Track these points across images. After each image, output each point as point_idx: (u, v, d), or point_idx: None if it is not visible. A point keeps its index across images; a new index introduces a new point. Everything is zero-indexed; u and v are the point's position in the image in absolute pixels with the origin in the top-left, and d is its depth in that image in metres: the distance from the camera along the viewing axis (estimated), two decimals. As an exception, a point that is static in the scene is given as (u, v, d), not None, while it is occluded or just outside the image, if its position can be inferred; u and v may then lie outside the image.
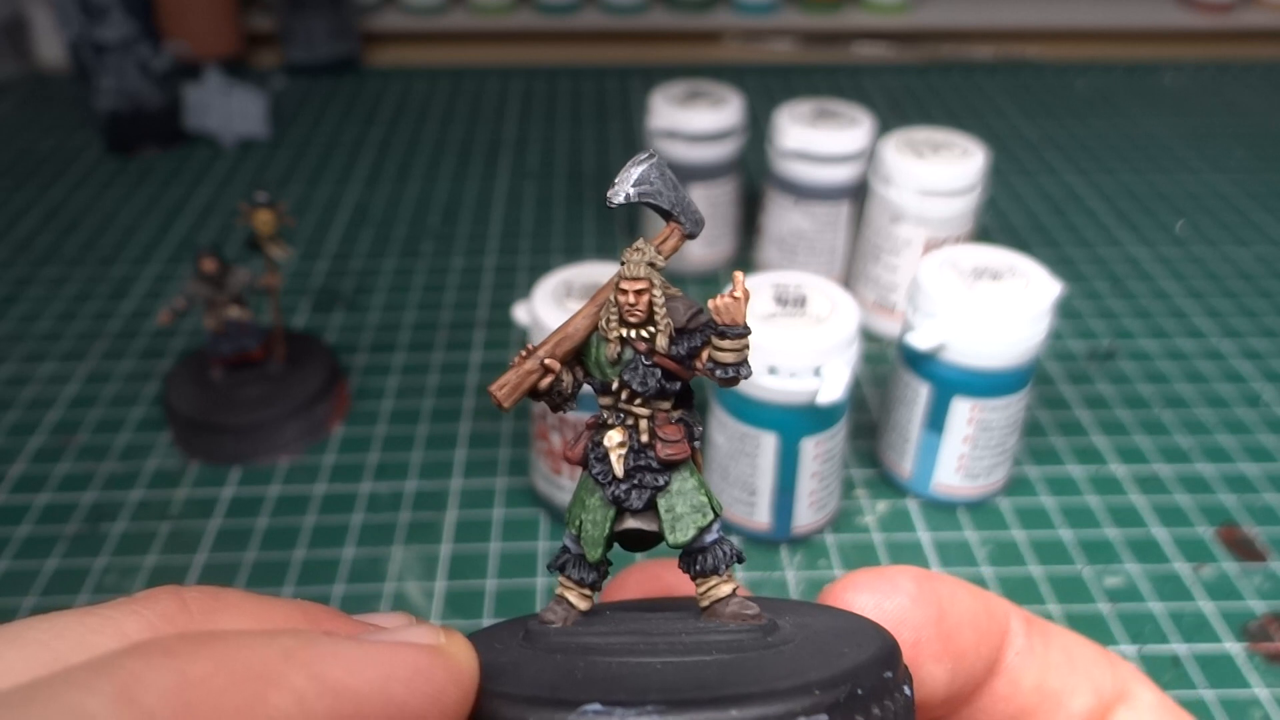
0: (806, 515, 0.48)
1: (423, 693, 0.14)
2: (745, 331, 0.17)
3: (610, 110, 0.96)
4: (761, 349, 0.44)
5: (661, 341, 0.17)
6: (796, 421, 0.45)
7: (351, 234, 0.76)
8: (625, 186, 0.18)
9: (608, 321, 0.18)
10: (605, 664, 0.16)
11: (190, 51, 0.96)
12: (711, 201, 0.69)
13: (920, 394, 0.49)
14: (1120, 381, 0.61)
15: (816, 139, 0.63)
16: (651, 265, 0.17)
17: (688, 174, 0.67)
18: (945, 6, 1.12)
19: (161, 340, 0.64)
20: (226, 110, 0.87)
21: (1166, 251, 0.75)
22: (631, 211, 0.78)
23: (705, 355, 0.17)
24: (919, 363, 0.49)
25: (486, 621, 0.45)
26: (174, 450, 0.55)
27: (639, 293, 0.17)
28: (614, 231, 0.76)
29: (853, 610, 0.18)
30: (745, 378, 0.17)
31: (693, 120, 0.66)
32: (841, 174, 0.64)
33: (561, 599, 0.19)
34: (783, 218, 0.66)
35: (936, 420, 0.49)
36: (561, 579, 0.19)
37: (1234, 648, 0.44)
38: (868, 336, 0.64)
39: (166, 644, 0.12)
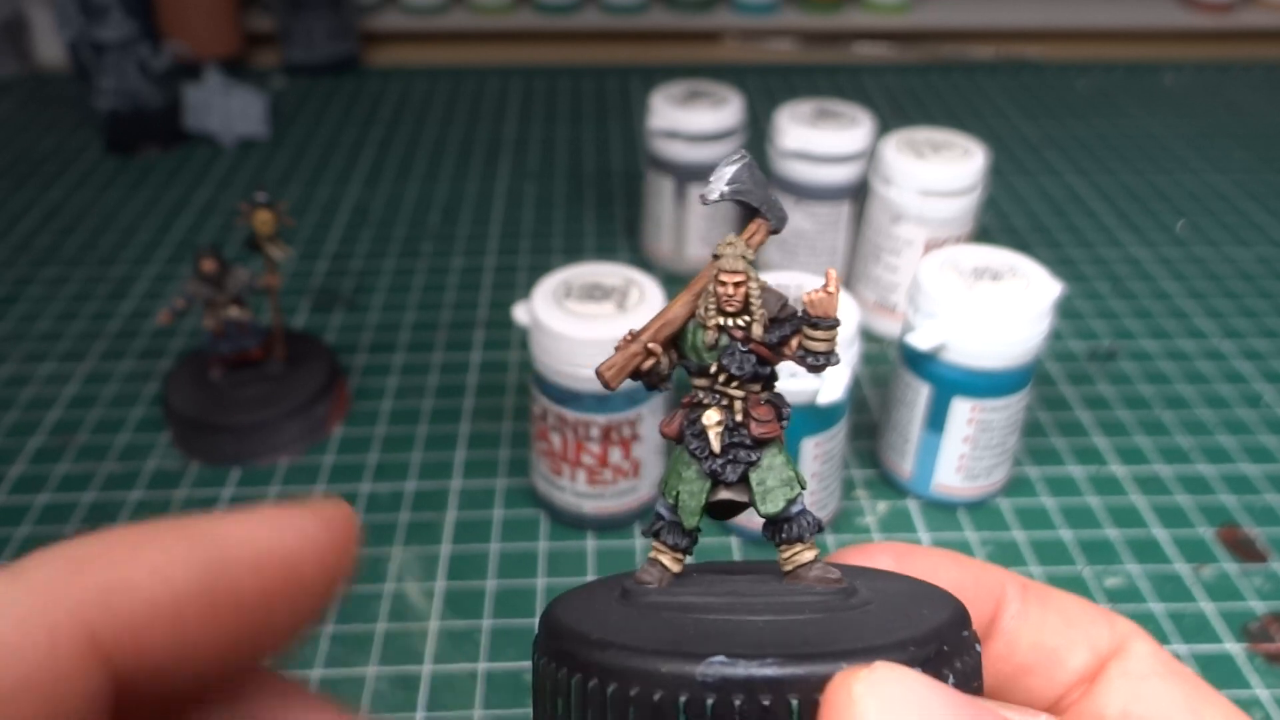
0: (807, 515, 0.48)
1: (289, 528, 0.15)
2: (836, 323, 0.18)
3: (610, 110, 0.96)
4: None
5: (757, 330, 0.19)
6: (796, 422, 0.45)
7: (351, 234, 0.76)
8: (720, 185, 0.19)
9: (706, 309, 0.19)
10: (712, 621, 0.17)
11: (190, 51, 0.96)
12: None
13: (920, 394, 0.49)
14: (1121, 382, 0.61)
15: (817, 139, 0.63)
16: (744, 259, 0.18)
17: (688, 174, 0.67)
18: (945, 6, 1.12)
19: (161, 340, 0.64)
20: (226, 110, 0.87)
21: (1167, 252, 0.74)
22: (631, 213, 0.78)
23: (795, 343, 0.19)
24: (919, 363, 0.49)
25: (487, 622, 0.45)
26: (174, 450, 0.55)
27: (737, 284, 0.18)
28: (615, 231, 0.76)
29: None
30: (834, 365, 0.19)
31: (693, 120, 0.66)
32: (842, 174, 0.64)
33: (656, 562, 0.20)
34: (783, 218, 0.66)
35: (937, 420, 0.49)
36: (655, 544, 0.20)
37: (1234, 648, 0.44)
38: (868, 336, 0.64)
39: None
